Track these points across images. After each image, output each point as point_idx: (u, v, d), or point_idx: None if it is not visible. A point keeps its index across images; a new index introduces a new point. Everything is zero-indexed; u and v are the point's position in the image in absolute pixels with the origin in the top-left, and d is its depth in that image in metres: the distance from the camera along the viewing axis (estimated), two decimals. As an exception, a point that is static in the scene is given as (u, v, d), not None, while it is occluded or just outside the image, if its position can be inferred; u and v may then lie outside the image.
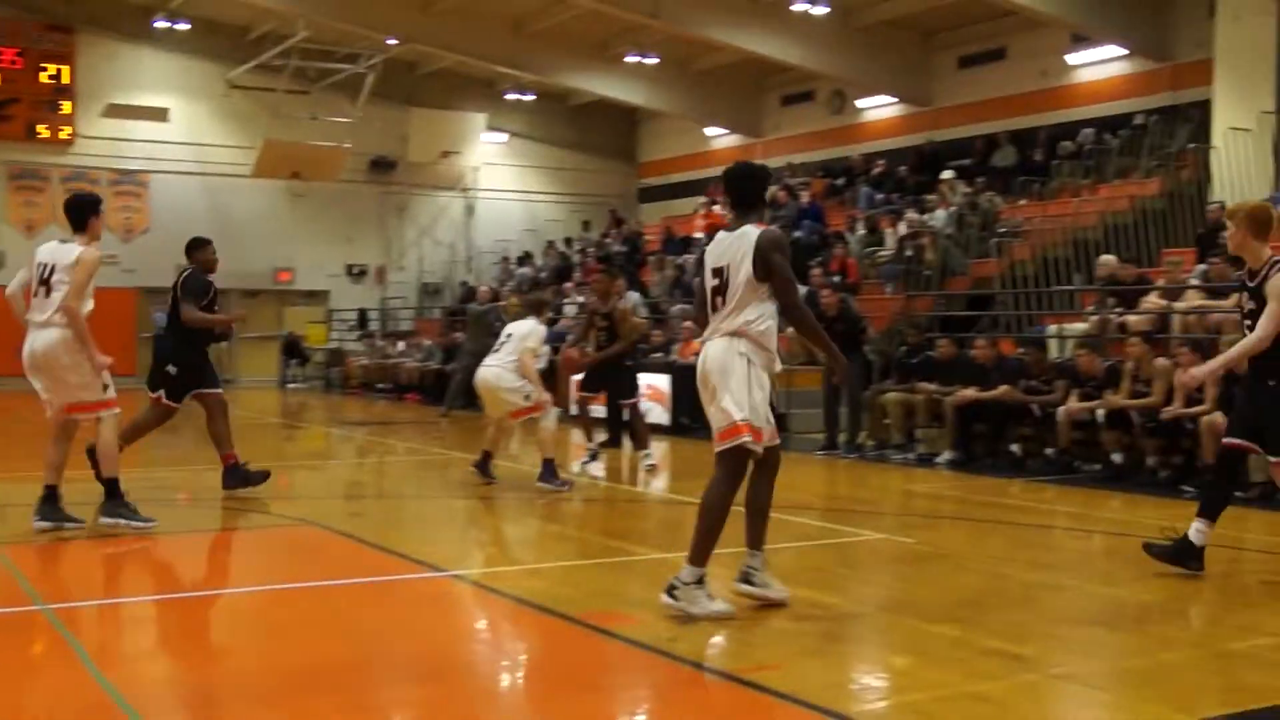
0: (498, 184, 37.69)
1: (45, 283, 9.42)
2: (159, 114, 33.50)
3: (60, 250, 9.53)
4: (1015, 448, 14.53)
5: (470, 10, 29.88)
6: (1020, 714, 5.35)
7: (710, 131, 35.76)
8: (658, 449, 17.13)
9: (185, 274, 12.23)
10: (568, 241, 34.52)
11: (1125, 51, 24.72)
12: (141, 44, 33.23)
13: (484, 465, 12.69)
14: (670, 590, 7.04)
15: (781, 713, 5.42)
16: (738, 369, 6.99)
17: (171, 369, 11.89)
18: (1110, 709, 5.44)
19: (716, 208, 30.89)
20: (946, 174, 24.73)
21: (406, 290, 36.19)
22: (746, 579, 7.31)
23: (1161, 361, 13.09)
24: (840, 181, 29.59)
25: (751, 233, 7.04)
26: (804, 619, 7.06)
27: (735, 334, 7.00)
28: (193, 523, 11.08)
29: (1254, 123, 19.57)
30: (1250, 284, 8.12)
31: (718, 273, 7.11)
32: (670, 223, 32.96)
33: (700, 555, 7.07)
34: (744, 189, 7.37)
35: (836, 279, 20.75)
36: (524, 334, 12.38)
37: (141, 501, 10.03)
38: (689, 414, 19.53)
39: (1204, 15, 21.91)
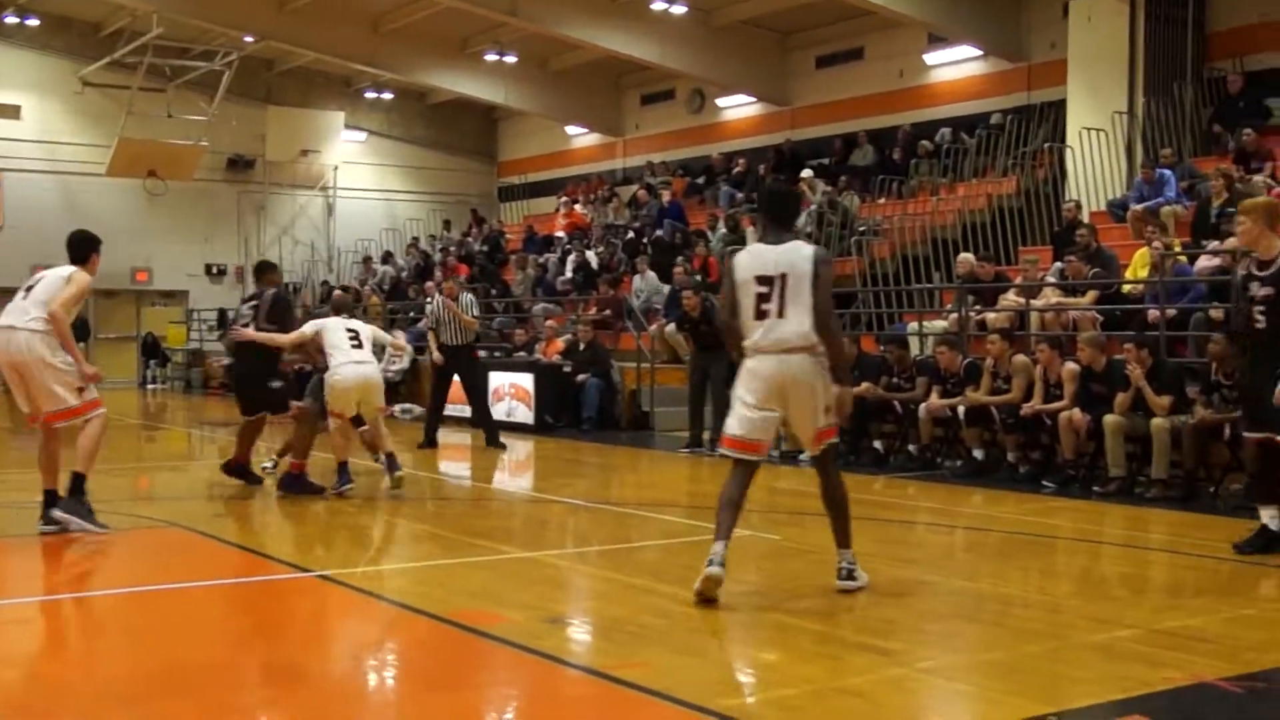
0: (357, 183, 37.35)
1: (29, 290, 9.40)
2: (10, 111, 32.84)
3: (55, 269, 9.60)
4: (878, 444, 14.70)
5: (327, 8, 29.48)
6: (889, 708, 5.40)
7: (570, 130, 35.73)
8: (522, 448, 17.12)
9: (273, 296, 12.39)
10: (432, 239, 34.33)
11: (980, 52, 25.11)
12: (-10, 39, 32.50)
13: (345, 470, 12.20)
14: (850, 574, 7.67)
15: (651, 709, 5.41)
16: (825, 382, 7.53)
17: (275, 383, 12.28)
18: (975, 701, 5.52)
19: (578, 206, 30.94)
20: (806, 173, 24.94)
21: (267, 290, 35.72)
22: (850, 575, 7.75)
23: (1020, 358, 13.31)
24: (701, 180, 29.73)
25: (806, 248, 7.62)
26: (672, 616, 7.07)
27: (812, 349, 7.45)
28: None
29: (1107, 123, 19.98)
30: (1260, 273, 8.67)
31: (765, 281, 7.45)
32: (531, 221, 32.98)
33: (849, 538, 7.89)
34: (784, 206, 7.97)
35: (699, 278, 20.84)
36: (371, 333, 12.45)
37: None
38: (552, 412, 19.53)
39: (1057, 16, 22.31)
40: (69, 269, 9.54)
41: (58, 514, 9.30)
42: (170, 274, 34.84)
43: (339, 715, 5.53)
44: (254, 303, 12.49)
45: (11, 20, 31.84)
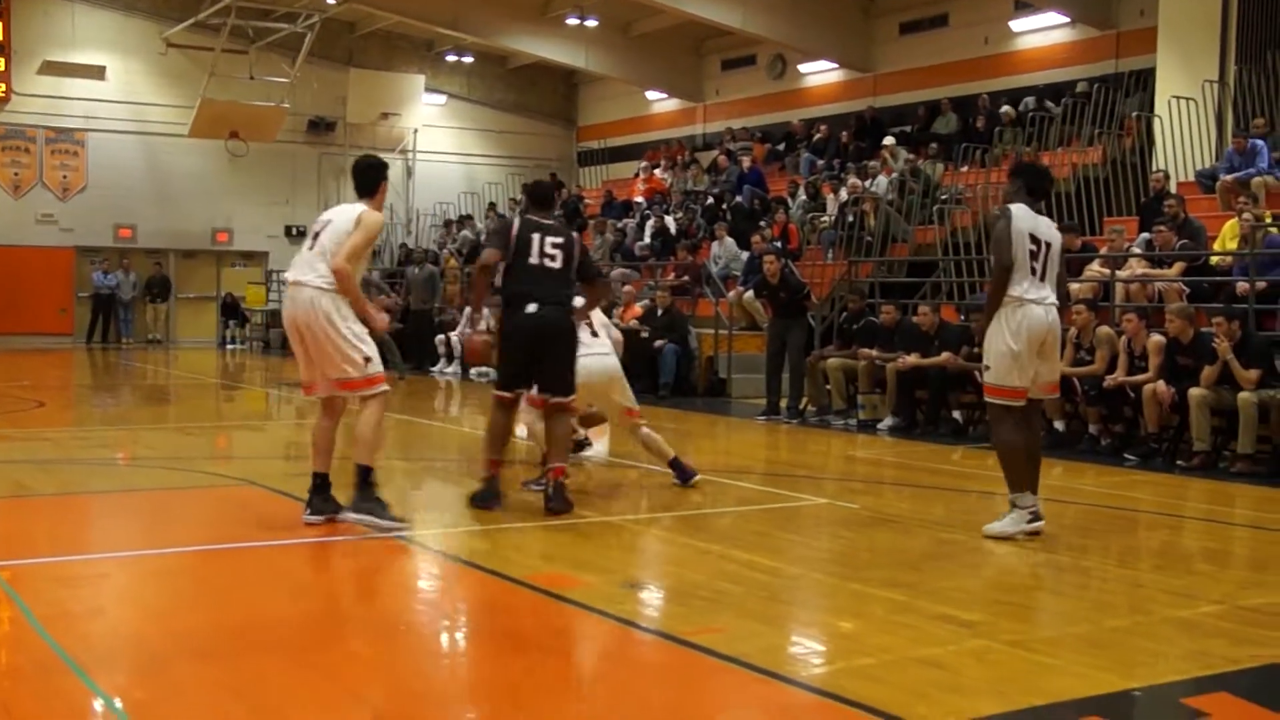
0: (437, 146, 37.43)
1: (315, 237, 8.37)
2: (96, 72, 33.08)
3: (343, 209, 8.53)
4: (958, 414, 14.56)
5: (410, -30, 29.63)
6: (970, 680, 5.31)
7: (650, 95, 35.63)
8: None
9: (581, 243, 9.56)
10: (512, 202, 34.36)
11: (1068, 19, 24.75)
12: (77, 0, 32.83)
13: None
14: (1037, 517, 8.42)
15: (727, 676, 5.38)
16: None
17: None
18: (1059, 675, 5.40)
19: (657, 172, 30.84)
20: (888, 140, 24.74)
21: (345, 252, 35.97)
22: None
23: (1104, 329, 13.12)
24: (781, 147, 29.58)
25: (1055, 226, 8.58)
26: (748, 583, 7.04)
27: (1058, 309, 8.39)
28: (133, 482, 10.93)
29: (1197, 91, 19.61)
30: None
31: (1036, 242, 8.27)
32: (610, 186, 32.91)
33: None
34: (1045, 180, 8.80)
35: (778, 244, 20.72)
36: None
37: (81, 462, 9.86)
38: (629, 378, 19.43)
39: (1149, -17, 21.97)
40: (356, 208, 8.42)
41: (350, 517, 8.23)
42: (250, 235, 35.18)
43: (417, 675, 5.53)
44: (557, 239, 9.18)
45: (98, -19, 32.17)
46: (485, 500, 9.10)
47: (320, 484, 8.45)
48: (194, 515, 9.32)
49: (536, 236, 9.03)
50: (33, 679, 5.27)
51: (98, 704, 5.03)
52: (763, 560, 7.67)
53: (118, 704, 4.98)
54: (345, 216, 8.36)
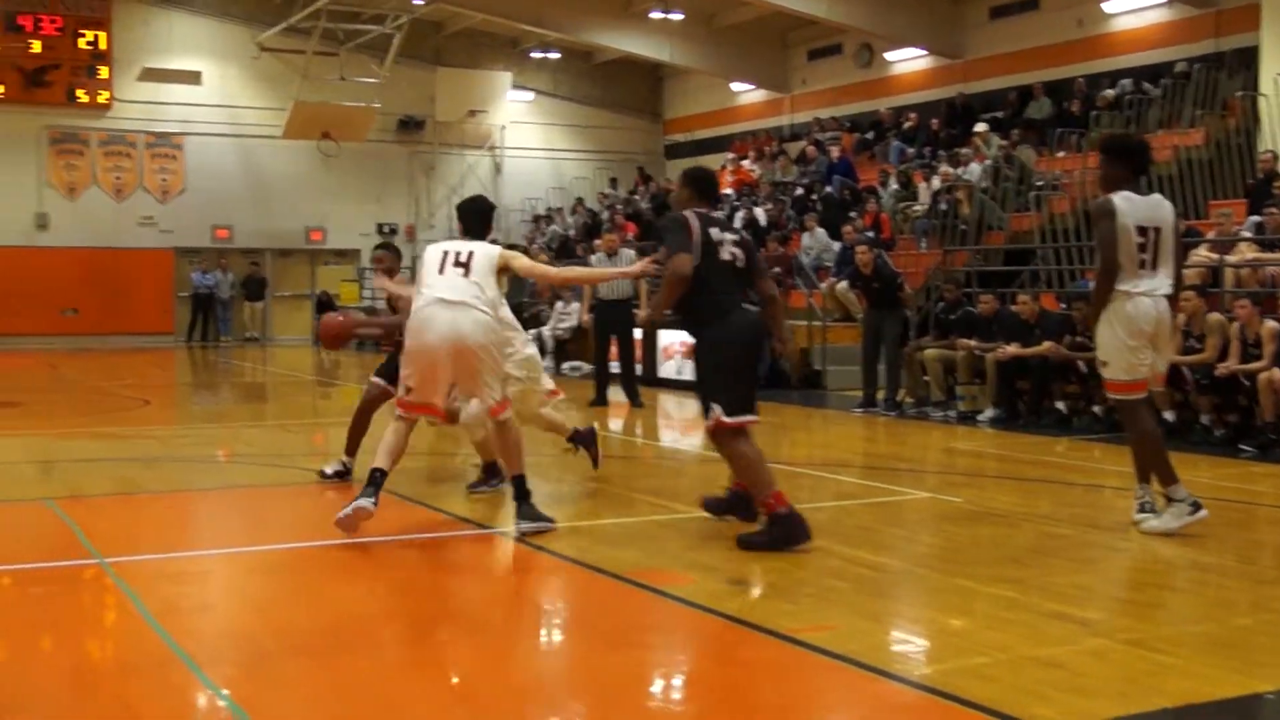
0: (524, 142, 37.54)
1: (463, 265, 8.03)
2: (192, 77, 33.74)
3: (478, 245, 8.24)
4: (1061, 405, 14.28)
5: (496, -31, 29.71)
6: (1093, 680, 5.14)
7: (736, 87, 35.46)
8: (692, 406, 17.01)
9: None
10: (603, 197, 34.42)
11: (1165, -1, 24.30)
12: (174, 8, 33.56)
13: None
14: (1146, 509, 8.32)
15: (839, 674, 5.28)
16: None
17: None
18: (1187, 677, 5.20)
19: (745, 163, 30.68)
20: (981, 127, 24.41)
21: (436, 249, 36.19)
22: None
23: (1215, 316, 12.77)
24: (870, 136, 29.31)
25: (1167, 203, 8.29)
26: (855, 579, 6.92)
27: (1170, 298, 8.15)
28: (235, 479, 11.05)
29: (1306, 68, 19.15)
30: None
31: (1143, 232, 7.98)
32: (699, 179, 32.74)
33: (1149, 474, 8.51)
34: (1145, 158, 8.58)
35: (870, 234, 20.52)
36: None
37: (185, 459, 9.92)
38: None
39: (1251, -41, 21.47)
40: (492, 246, 8.29)
41: (526, 527, 7.97)
42: (343, 233, 35.50)
43: (522, 672, 5.47)
44: (734, 235, 8.26)
45: (193, -11, 32.72)
46: (787, 537, 7.54)
47: (519, 486, 8.15)
48: (295, 511, 9.34)
49: (716, 232, 7.98)
50: (150, 673, 5.31)
51: (210, 698, 5.04)
52: (867, 556, 7.54)
53: (232, 698, 4.96)
54: (488, 251, 8.17)
